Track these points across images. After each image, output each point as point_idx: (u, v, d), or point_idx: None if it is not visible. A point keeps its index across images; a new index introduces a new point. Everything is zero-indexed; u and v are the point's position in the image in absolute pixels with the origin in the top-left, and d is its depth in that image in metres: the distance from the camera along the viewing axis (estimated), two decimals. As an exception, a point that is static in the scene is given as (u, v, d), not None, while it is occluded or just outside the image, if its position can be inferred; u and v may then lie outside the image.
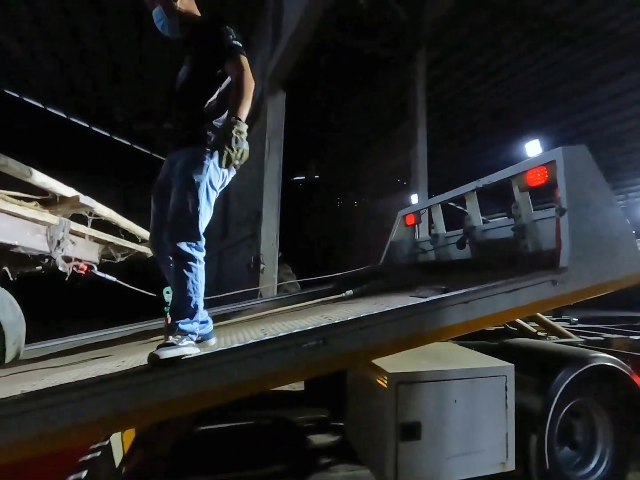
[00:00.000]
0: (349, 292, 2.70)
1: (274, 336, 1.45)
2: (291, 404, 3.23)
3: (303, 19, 4.82)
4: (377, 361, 1.69)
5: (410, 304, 1.62)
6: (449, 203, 3.39)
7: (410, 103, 7.32)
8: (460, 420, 1.64)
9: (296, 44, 5.22)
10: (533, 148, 11.56)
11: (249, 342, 1.42)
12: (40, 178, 1.45)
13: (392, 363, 1.66)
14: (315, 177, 13.60)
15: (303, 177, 13.66)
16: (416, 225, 4.11)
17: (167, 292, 2.32)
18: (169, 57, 9.97)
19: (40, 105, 15.86)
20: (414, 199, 6.92)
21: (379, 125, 9.93)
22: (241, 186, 7.43)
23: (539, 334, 2.97)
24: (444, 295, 1.65)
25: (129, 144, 17.86)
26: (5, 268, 1.78)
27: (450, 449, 1.61)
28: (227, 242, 8.66)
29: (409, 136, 7.23)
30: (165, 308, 2.40)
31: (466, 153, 13.62)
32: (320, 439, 2.59)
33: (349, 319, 1.52)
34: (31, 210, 1.54)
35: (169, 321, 2.17)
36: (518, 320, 3.00)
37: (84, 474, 1.35)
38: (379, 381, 1.65)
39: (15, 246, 1.51)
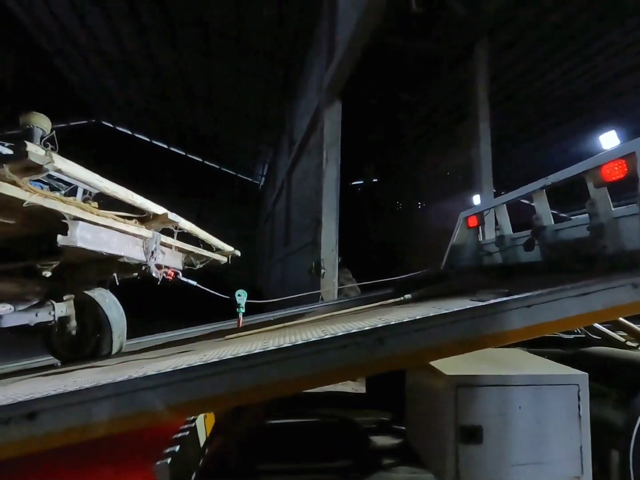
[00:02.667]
0: (408, 296, 2.71)
1: (333, 335, 1.56)
2: (353, 406, 3.31)
3: (358, 28, 4.95)
4: (435, 363, 1.71)
5: (468, 307, 1.62)
6: (522, 201, 3.23)
7: (472, 98, 7.02)
8: (525, 427, 1.59)
9: (351, 54, 5.36)
10: (609, 140, 10.26)
11: (311, 340, 1.56)
12: (140, 200, 1.78)
13: (451, 365, 1.67)
14: (374, 180, 13.58)
15: (361, 182, 13.73)
16: (480, 227, 3.96)
17: (239, 295, 2.59)
18: (234, 84, 10.83)
19: (129, 132, 18.19)
20: (476, 199, 6.60)
21: (439, 124, 9.64)
22: (301, 195, 7.75)
23: (628, 343, 2.68)
24: (504, 298, 1.62)
25: (200, 160, 19.59)
26: (115, 274, 2.17)
27: (515, 456, 1.57)
28: (290, 248, 9.06)
29: (470, 133, 6.93)
30: (237, 309, 2.69)
31: (535, 148, 12.56)
32: (381, 440, 2.62)
33: (404, 320, 1.58)
34: (133, 227, 1.88)
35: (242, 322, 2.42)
36: (602, 328, 2.75)
37: (177, 448, 1.59)
38: (437, 383, 1.67)
39: (121, 257, 1.85)
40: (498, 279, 2.88)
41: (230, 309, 2.82)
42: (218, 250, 2.90)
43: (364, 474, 2.16)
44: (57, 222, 1.55)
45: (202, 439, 1.94)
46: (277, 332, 2.35)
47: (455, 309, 1.61)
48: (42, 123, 2.02)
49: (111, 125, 17.66)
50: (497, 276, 3.05)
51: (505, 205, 3.46)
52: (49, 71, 13.07)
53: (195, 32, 9.05)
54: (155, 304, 7.01)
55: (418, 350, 1.55)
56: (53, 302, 2.32)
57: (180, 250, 2.48)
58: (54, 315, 2.31)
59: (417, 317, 1.59)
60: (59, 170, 1.34)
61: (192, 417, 1.87)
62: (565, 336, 2.95)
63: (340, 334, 1.58)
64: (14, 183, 1.27)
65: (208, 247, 2.78)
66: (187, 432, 1.75)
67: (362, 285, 4.63)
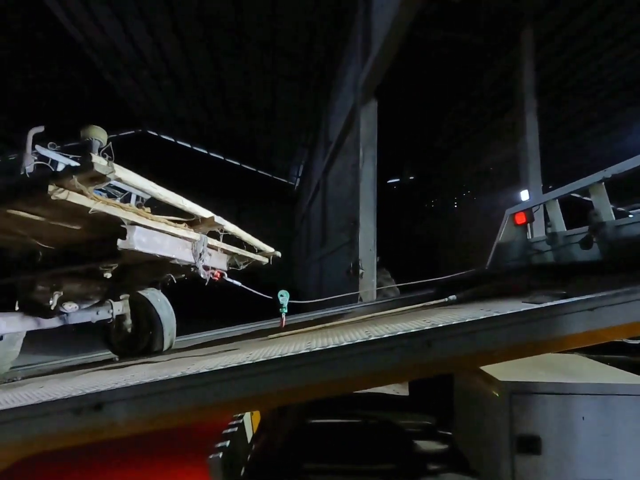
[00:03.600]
0: (452, 297, 2.61)
1: (379, 337, 1.54)
2: (395, 408, 3.26)
3: (394, 23, 4.84)
4: (487, 368, 1.64)
5: (523, 309, 1.53)
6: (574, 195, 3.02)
7: (517, 89, 6.65)
8: (590, 440, 1.48)
9: (388, 49, 5.26)
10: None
11: (357, 341, 1.54)
12: (189, 205, 1.87)
13: (505, 371, 1.59)
14: (412, 178, 13.28)
15: (399, 180, 13.47)
16: (528, 225, 3.75)
17: (281, 295, 2.64)
18: (270, 88, 11.06)
19: (171, 139, 19.14)
20: (524, 195, 6.24)
21: (480, 117, 9.23)
22: (338, 195, 7.74)
23: None
24: (563, 301, 1.51)
25: (238, 163, 20.20)
26: (171, 275, 2.31)
27: (579, 470, 1.46)
28: (327, 248, 9.08)
29: (515, 126, 6.57)
30: (280, 309, 2.73)
31: (589, 137, 11.63)
32: (426, 445, 2.56)
33: (453, 323, 1.52)
34: (182, 230, 1.98)
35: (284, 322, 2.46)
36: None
37: (227, 443, 1.65)
38: (490, 389, 1.60)
39: (173, 259, 1.96)
40: (551, 280, 2.70)
41: (269, 308, 2.87)
42: (260, 251, 2.97)
43: (410, 479, 2.12)
44: (116, 227, 1.66)
45: (249, 436, 1.99)
46: (319, 332, 2.36)
47: (509, 312, 1.53)
48: (99, 135, 2.18)
49: (155, 134, 18.70)
50: (549, 276, 2.86)
51: (557, 200, 3.25)
52: (101, 86, 14.09)
53: (231, 39, 9.35)
54: (200, 303, 7.33)
55: (468, 354, 1.49)
56: (111, 301, 2.50)
57: (226, 252, 2.57)
58: (112, 314, 2.49)
59: (467, 320, 1.53)
60: (119, 179, 1.44)
61: (240, 414, 1.92)
62: (630, 341, 2.71)
63: (386, 335, 1.55)
64: (81, 192, 1.38)
65: (250, 248, 2.85)
66: (236, 428, 1.80)
67: (402, 285, 4.54)
